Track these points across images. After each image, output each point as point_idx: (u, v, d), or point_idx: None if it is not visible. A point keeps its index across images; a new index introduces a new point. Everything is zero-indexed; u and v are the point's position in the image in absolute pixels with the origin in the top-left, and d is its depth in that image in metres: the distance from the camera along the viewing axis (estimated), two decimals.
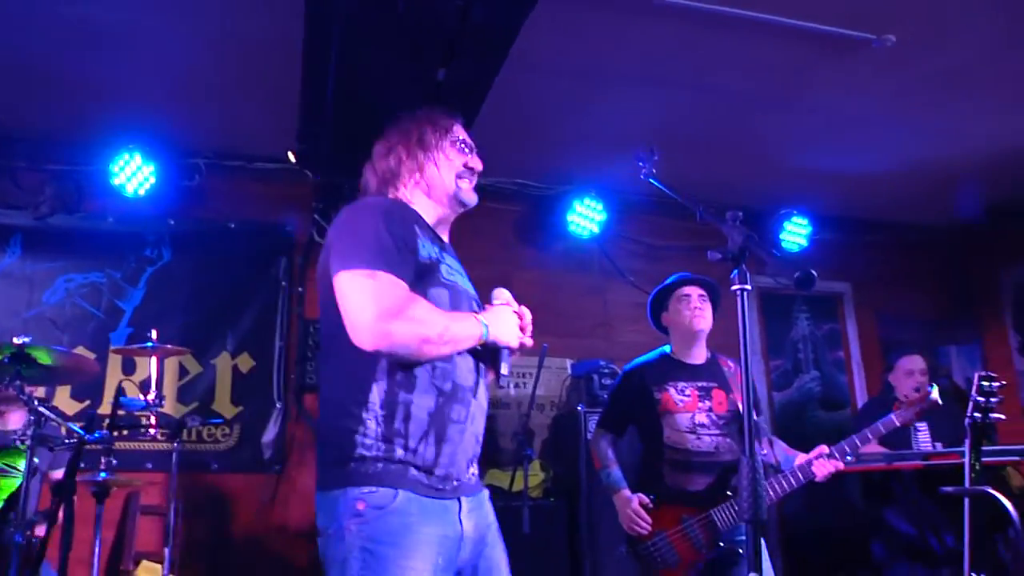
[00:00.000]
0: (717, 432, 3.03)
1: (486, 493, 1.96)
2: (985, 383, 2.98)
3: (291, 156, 4.13)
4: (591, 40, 3.68)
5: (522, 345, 1.91)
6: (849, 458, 2.99)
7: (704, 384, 3.12)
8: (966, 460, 2.92)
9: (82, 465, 2.88)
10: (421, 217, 1.96)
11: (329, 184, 3.92)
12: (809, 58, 3.83)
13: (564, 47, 3.72)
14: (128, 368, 4.15)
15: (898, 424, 3.09)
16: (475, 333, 1.82)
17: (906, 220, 5.83)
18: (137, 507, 3.87)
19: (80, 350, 3.96)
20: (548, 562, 4.01)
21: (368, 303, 1.71)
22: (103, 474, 3.10)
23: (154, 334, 3.34)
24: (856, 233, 5.78)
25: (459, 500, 1.81)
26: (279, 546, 4.17)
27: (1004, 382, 2.97)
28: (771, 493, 2.93)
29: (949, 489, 2.98)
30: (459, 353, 1.83)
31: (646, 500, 2.98)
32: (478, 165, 2.07)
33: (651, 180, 2.14)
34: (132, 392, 3.39)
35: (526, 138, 4.56)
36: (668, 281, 3.27)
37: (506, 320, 1.90)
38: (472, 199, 2.04)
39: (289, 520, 4.21)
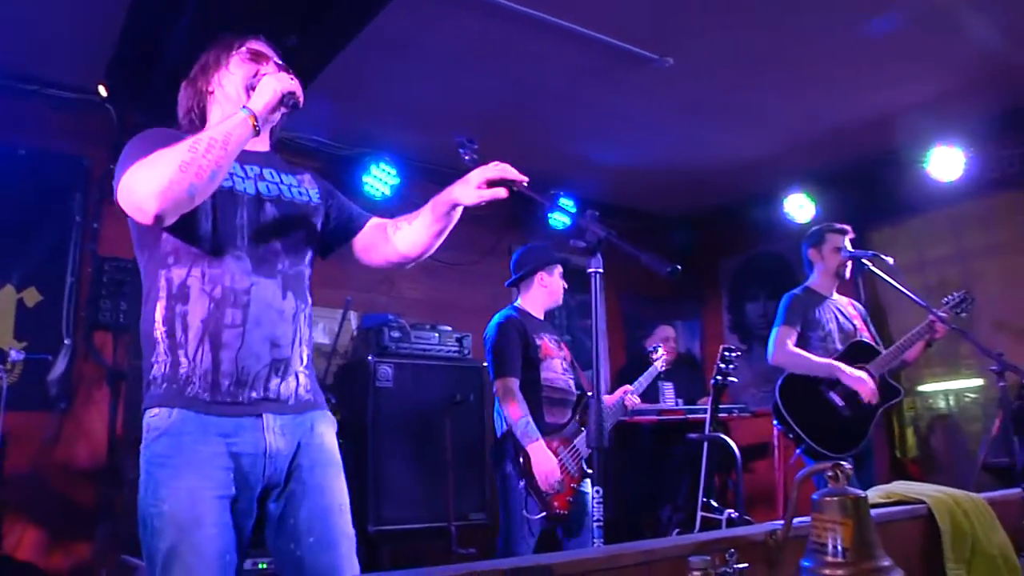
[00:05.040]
0: (571, 376, 3.71)
1: (318, 415, 1.93)
2: (727, 353, 3.78)
3: (102, 90, 4.00)
4: (410, 18, 3.87)
5: (292, 92, 1.87)
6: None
7: (556, 337, 3.81)
8: (708, 413, 3.72)
9: None
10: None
11: (148, 125, 3.82)
12: (602, 65, 4.37)
13: (384, 19, 3.77)
14: None
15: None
16: (239, 119, 1.79)
17: (651, 210, 6.70)
18: None
19: None
20: None
21: (132, 182, 1.73)
22: None
23: None
24: (610, 217, 6.52)
25: (261, 417, 1.80)
26: (63, 486, 4.06)
27: (740, 352, 3.79)
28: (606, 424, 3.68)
29: (694, 436, 3.76)
30: (234, 257, 1.83)
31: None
32: (272, 71, 1.98)
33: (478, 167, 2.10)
34: None
35: (333, 98, 4.67)
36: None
37: (264, 82, 1.87)
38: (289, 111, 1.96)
39: (74, 460, 4.12)
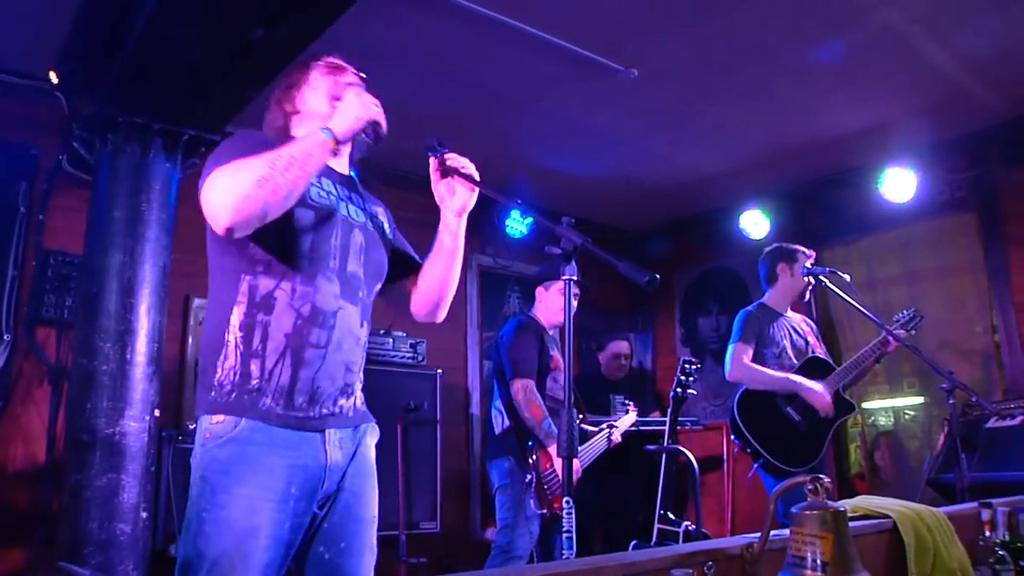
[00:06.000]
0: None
1: (369, 427, 1.95)
2: (687, 365, 3.80)
3: (53, 77, 3.86)
4: (374, 20, 3.85)
5: (376, 122, 1.87)
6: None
7: (558, 351, 3.87)
8: (667, 425, 3.74)
9: None
10: None
11: (103, 115, 3.72)
12: (566, 74, 4.37)
13: (348, 20, 3.67)
14: None
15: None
16: (319, 140, 1.76)
17: (607, 221, 6.73)
18: None
19: None
20: None
21: (211, 190, 1.71)
22: None
23: None
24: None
25: (324, 432, 1.80)
26: None
27: (700, 365, 3.81)
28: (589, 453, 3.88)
29: (653, 447, 3.77)
30: (326, 278, 1.82)
31: None
32: (352, 80, 2.01)
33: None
34: None
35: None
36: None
37: (349, 104, 1.83)
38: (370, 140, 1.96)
39: (9, 461, 3.94)
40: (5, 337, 4.00)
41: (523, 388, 3.68)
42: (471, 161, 2.09)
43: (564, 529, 1.88)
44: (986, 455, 4.11)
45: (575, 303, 3.80)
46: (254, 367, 1.76)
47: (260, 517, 1.68)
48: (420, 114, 4.79)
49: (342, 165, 2.07)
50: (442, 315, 2.18)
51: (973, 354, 5.16)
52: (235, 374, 1.76)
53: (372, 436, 1.97)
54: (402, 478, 4.46)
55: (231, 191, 1.67)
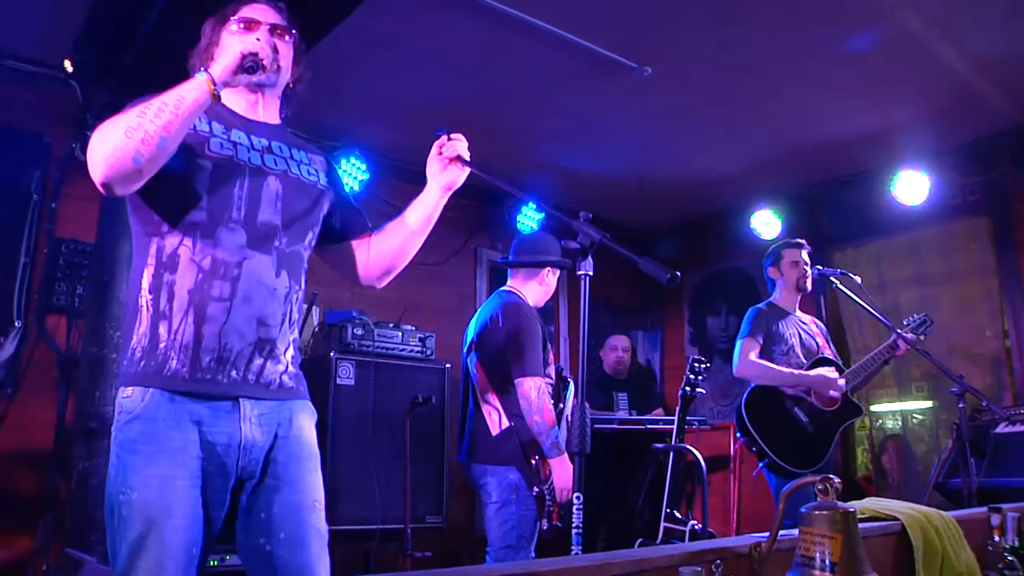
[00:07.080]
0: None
1: (298, 406, 1.86)
2: (696, 364, 3.79)
3: (68, 65, 3.88)
4: (391, 14, 3.82)
5: (252, 53, 1.78)
6: None
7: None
8: (675, 424, 3.73)
9: None
10: (221, 107, 1.91)
11: (116, 104, 3.71)
12: (578, 71, 4.35)
13: (364, 13, 3.65)
14: None
15: None
16: (195, 82, 1.72)
17: (617, 219, 6.67)
18: None
19: None
20: None
21: (89, 147, 1.71)
22: None
23: None
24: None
25: (239, 401, 1.74)
26: (4, 475, 3.89)
27: (709, 364, 3.81)
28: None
29: (660, 446, 3.76)
30: (228, 229, 1.77)
31: None
32: (263, 36, 1.90)
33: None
34: None
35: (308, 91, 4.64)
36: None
37: (227, 45, 1.82)
38: (259, 75, 1.85)
39: (18, 448, 3.95)
40: (16, 324, 4.01)
41: (535, 388, 3.26)
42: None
43: (573, 524, 1.88)
44: (994, 461, 4.10)
45: (556, 286, 3.62)
46: (163, 329, 1.71)
47: (174, 496, 1.63)
48: (432, 109, 4.80)
49: (271, 116, 2.04)
50: (386, 282, 2.15)
51: (983, 359, 5.14)
52: (146, 338, 1.72)
53: (305, 416, 1.87)
54: (408, 472, 4.44)
55: (102, 145, 1.66)
